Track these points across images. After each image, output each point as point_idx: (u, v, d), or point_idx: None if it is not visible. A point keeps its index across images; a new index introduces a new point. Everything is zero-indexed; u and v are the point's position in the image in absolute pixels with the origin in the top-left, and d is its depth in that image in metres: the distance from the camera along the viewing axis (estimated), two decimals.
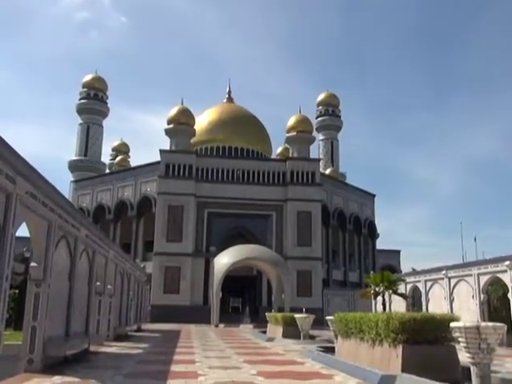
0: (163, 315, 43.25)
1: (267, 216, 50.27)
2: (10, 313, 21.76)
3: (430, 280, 29.52)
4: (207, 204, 49.32)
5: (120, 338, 22.48)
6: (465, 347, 8.51)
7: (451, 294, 27.00)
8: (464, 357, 8.93)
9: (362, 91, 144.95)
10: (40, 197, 11.05)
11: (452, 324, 8.82)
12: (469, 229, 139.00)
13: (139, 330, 30.09)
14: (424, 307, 29.40)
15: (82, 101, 72.94)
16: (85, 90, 73.52)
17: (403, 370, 9.94)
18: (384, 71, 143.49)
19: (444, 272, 27.52)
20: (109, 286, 21.21)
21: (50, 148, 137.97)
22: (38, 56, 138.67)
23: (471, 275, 25.16)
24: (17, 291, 23.66)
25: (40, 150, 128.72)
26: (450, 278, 27.14)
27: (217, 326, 38.38)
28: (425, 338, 10.26)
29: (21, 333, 12.28)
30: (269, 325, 28.44)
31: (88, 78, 74.04)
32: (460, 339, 8.60)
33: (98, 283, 18.82)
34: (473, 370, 8.53)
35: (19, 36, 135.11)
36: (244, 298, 53.59)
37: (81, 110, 72.83)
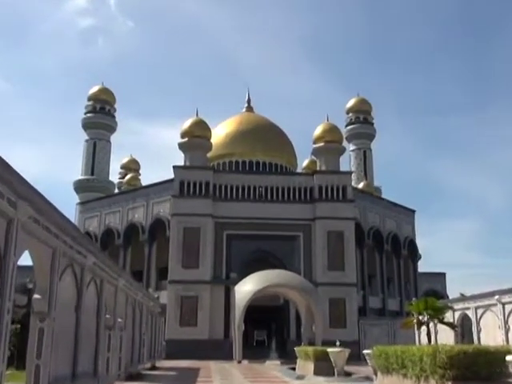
0: (180, 351, 43.17)
1: (294, 237, 50.07)
2: (11, 350, 21.95)
3: (482, 307, 28.87)
4: (226, 225, 49.39)
5: (132, 377, 22.52)
6: None
7: (506, 322, 26.33)
8: None
9: (395, 94, 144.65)
10: (43, 222, 11.23)
11: (508, 357, 8.62)
12: None
13: (153, 367, 30.10)
14: (475, 338, 28.75)
15: (88, 115, 74.23)
16: (91, 103, 74.88)
17: None
18: (421, 70, 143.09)
19: (497, 297, 26.92)
20: (119, 319, 21.30)
21: (53, 167, 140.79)
22: (37, 67, 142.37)
23: None
24: (19, 326, 23.90)
25: (42, 169, 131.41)
26: (504, 304, 26.50)
27: (239, 362, 38.14)
28: (477, 374, 10.03)
29: (23, 372, 12.40)
30: (298, 360, 28.16)
31: (94, 90, 75.44)
32: None
33: (107, 316, 18.92)
34: None
35: (18, 45, 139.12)
36: (270, 331, 53.19)
37: (86, 125, 74.11)
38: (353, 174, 64.44)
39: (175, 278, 47.20)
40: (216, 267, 48.47)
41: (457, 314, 31.37)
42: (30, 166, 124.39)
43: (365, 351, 15.48)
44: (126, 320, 23.20)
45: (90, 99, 75.26)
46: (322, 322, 41.22)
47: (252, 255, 49.48)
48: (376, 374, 14.21)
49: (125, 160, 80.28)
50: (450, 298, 54.54)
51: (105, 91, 75.42)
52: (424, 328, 24.61)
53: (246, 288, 40.07)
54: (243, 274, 44.18)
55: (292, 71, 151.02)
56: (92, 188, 70.87)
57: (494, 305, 27.34)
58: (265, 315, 50.65)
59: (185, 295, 46.75)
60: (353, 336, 45.36)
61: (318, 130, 54.59)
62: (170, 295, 46.94)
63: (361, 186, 67.48)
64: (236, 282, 42.62)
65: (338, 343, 24.36)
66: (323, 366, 23.10)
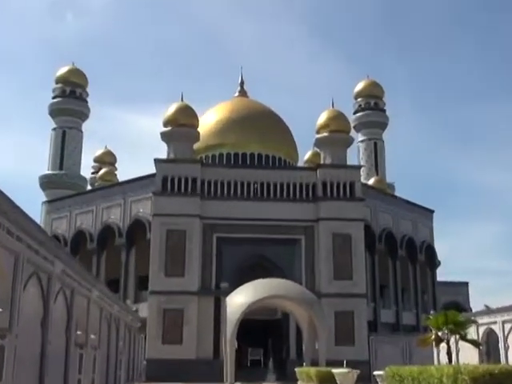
0: (162, 372, 43.00)
1: (294, 241, 50.07)
2: None
3: (510, 321, 28.96)
4: (216, 227, 49.33)
5: None
6: None
7: None
8: None
9: (411, 77, 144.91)
10: (4, 223, 11.15)
11: None
12: None
13: None
14: (503, 357, 28.83)
15: (56, 99, 74.03)
16: (59, 86, 74.65)
17: None
18: (442, 49, 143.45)
19: None
20: (92, 336, 21.25)
21: (15, 160, 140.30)
22: None
23: None
24: None
25: (3, 162, 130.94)
26: None
27: None
28: None
29: None
30: (299, 383, 28.16)
31: (63, 71, 75.20)
32: None
33: (78, 332, 18.87)
34: None
35: None
36: (266, 349, 53.17)
37: (54, 112, 73.88)
38: (362, 169, 64.38)
39: (157, 289, 47.11)
40: (204, 275, 48.40)
41: (481, 330, 31.41)
42: None
43: (376, 372, 15.48)
44: (101, 337, 23.13)
45: (58, 82, 74.99)
46: (327, 339, 41.19)
47: (246, 262, 49.41)
48: None
49: (99, 152, 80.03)
50: (474, 310, 54.65)
51: (75, 72, 75.18)
52: (444, 345, 24.63)
53: (239, 299, 40.00)
54: (236, 283, 44.10)
55: (292, 50, 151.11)
56: (61, 184, 70.63)
57: None
58: (261, 331, 50.58)
59: (168, 308, 46.64)
60: (362, 355, 45.37)
61: (322, 118, 54.56)
62: (150, 308, 46.86)
63: (371, 182, 67.56)
64: (227, 293, 42.55)
65: (345, 363, 24.40)
66: None
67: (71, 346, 17.73)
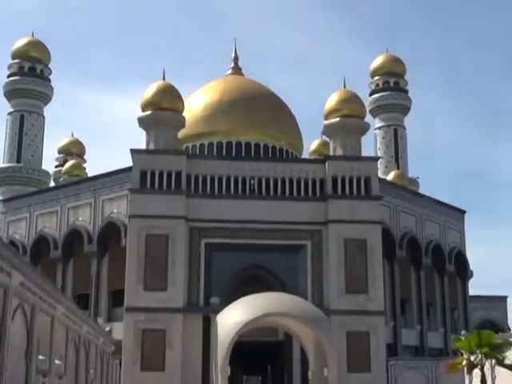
0: None
1: (298, 248, 50.16)
2: None
3: None
4: (205, 231, 49.37)
5: None
6: None
7: None
8: None
9: (440, 50, 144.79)
10: None
11: None
12: None
13: None
14: None
15: (13, 78, 73.83)
16: (16, 61, 74.48)
17: None
18: (476, 10, 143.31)
19: None
20: (57, 362, 21.27)
21: None
22: None
23: None
24: None
25: None
26: None
27: None
28: None
29: None
30: None
31: (21, 43, 75.03)
32: None
33: (40, 357, 18.88)
34: None
35: None
36: (265, 376, 53.34)
37: (10, 93, 73.72)
38: (379, 161, 64.55)
39: (134, 305, 47.11)
40: (191, 289, 48.44)
41: None
42: None
43: None
44: (67, 363, 23.15)
45: (14, 56, 74.83)
46: (338, 365, 41.20)
47: (241, 273, 49.52)
48: None
49: (64, 141, 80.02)
50: None
51: (35, 45, 75.03)
52: (477, 372, 24.68)
53: (233, 318, 40.01)
54: (229, 298, 44.13)
55: (296, 19, 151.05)
56: (18, 180, 70.59)
57: None
58: (259, 355, 50.66)
59: (148, 328, 46.64)
60: (380, 383, 45.52)
61: (332, 101, 54.60)
62: (127, 328, 46.86)
63: (390, 177, 67.70)
64: (219, 310, 42.51)
65: None
66: None
67: (32, 374, 17.75)
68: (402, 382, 47.34)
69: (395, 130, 77.57)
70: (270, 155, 59.59)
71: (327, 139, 57.91)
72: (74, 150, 77.57)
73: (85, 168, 73.57)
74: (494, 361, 21.80)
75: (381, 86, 78.25)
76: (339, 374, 40.74)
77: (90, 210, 55.19)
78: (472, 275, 64.33)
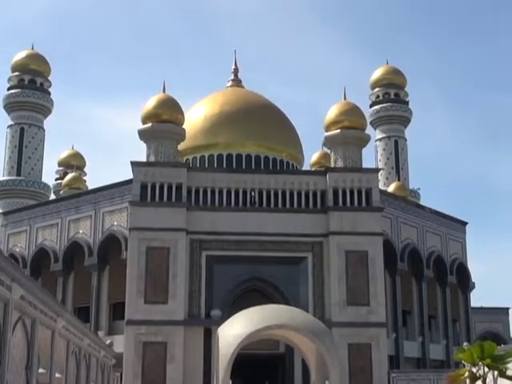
0: None
1: (299, 260, 50.10)
2: None
3: None
4: (206, 243, 49.35)
5: None
6: None
7: None
8: None
9: (441, 62, 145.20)
10: None
11: None
12: None
13: None
14: None
15: (13, 91, 74.05)
16: (16, 74, 74.73)
17: None
18: (476, 25, 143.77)
19: None
20: (57, 375, 21.24)
21: None
22: None
23: None
24: None
25: None
26: None
27: None
28: None
29: None
30: None
31: (20, 56, 75.30)
32: None
33: (41, 370, 18.86)
34: None
35: None
36: None
37: (10, 105, 73.92)
38: (380, 173, 64.61)
39: (135, 318, 47.04)
40: (192, 302, 48.36)
41: None
42: None
43: None
44: (68, 376, 23.12)
45: (14, 69, 75.07)
46: (340, 377, 41.14)
47: (242, 285, 49.47)
48: None
49: (64, 153, 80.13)
50: None
51: (36, 58, 75.32)
52: None
53: (234, 331, 39.95)
54: (230, 310, 44.17)
55: (296, 30, 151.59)
56: (19, 193, 70.69)
57: None
58: (260, 367, 50.52)
59: (149, 341, 46.56)
60: None
61: (332, 112, 54.70)
62: (127, 341, 46.75)
63: (391, 188, 67.66)
64: (220, 323, 42.49)
65: None
66: None
67: None
68: None
69: (396, 142, 77.65)
70: (270, 167, 59.61)
71: (328, 151, 58.02)
72: (74, 163, 77.41)
73: (85, 181, 73.66)
74: (496, 372, 21.77)
75: (381, 97, 78.39)
76: None
77: (91, 222, 55.18)
78: (474, 287, 64.24)
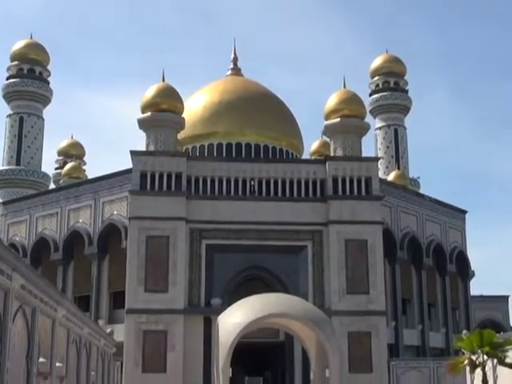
0: None
1: (299, 248, 50.15)
2: None
3: None
4: (206, 232, 49.38)
5: None
6: None
7: None
8: None
9: (441, 49, 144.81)
10: None
11: None
12: None
13: None
14: None
15: (11, 80, 73.94)
16: (15, 63, 74.59)
17: None
18: (477, 10, 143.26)
19: None
20: (58, 364, 21.26)
21: None
22: None
23: None
24: None
25: None
26: None
27: None
28: None
29: None
30: None
31: (19, 45, 75.15)
32: None
33: (41, 360, 18.88)
34: None
35: None
36: (266, 377, 53.31)
37: (9, 95, 73.82)
38: (380, 161, 64.57)
39: (135, 306, 47.11)
40: (192, 290, 48.44)
41: None
42: None
43: None
44: (68, 365, 23.15)
45: (13, 58, 74.94)
46: (339, 366, 41.23)
47: (242, 274, 49.52)
48: None
49: (64, 143, 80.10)
50: None
51: (35, 47, 75.16)
52: (479, 372, 24.68)
53: (234, 319, 40.00)
54: (229, 299, 44.22)
55: (296, 19, 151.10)
56: (18, 182, 70.68)
57: None
58: (260, 356, 50.70)
59: (149, 330, 46.64)
60: None
61: (332, 101, 54.60)
62: (128, 330, 46.84)
63: (391, 177, 67.70)
64: (220, 311, 42.53)
65: None
66: None
67: (33, 376, 17.74)
68: (403, 382, 47.34)
69: (395, 130, 77.57)
70: (270, 156, 59.56)
71: (327, 140, 57.94)
72: (73, 152, 77.52)
73: (84, 170, 73.63)
74: (495, 360, 21.82)
75: (381, 86, 78.28)
76: (341, 375, 40.77)
77: (90, 212, 55.20)
78: (473, 275, 64.34)
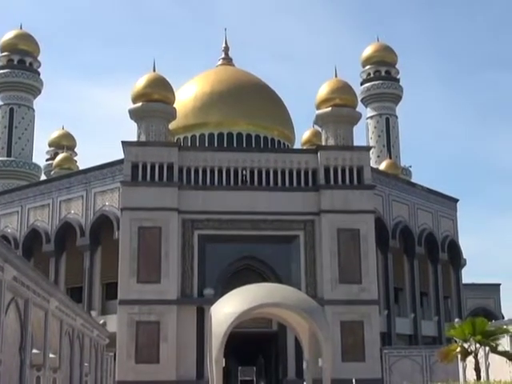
0: None
1: (291, 238, 50.22)
2: None
3: None
4: (198, 223, 49.37)
5: None
6: None
7: None
8: None
9: (432, 38, 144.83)
10: None
11: None
12: None
13: None
14: None
15: (1, 71, 73.57)
16: (5, 54, 74.20)
17: None
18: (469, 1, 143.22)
19: None
20: (51, 355, 21.28)
21: None
22: None
23: None
24: None
25: None
26: None
27: None
28: None
29: None
30: None
31: (9, 35, 74.79)
32: None
33: (34, 351, 18.89)
34: None
35: None
36: (259, 367, 53.43)
37: None
38: (372, 151, 64.52)
39: (128, 297, 47.14)
40: (184, 281, 48.48)
41: None
42: None
43: None
44: (61, 356, 23.17)
45: (3, 49, 74.59)
46: (332, 355, 41.33)
47: (234, 264, 49.57)
48: None
49: (55, 134, 79.86)
50: (506, 318, 54.94)
51: (24, 38, 74.79)
52: (471, 359, 24.82)
53: (227, 309, 40.03)
54: (222, 289, 44.24)
55: (286, 8, 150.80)
56: (9, 173, 70.47)
57: None
58: (253, 346, 50.75)
59: (142, 320, 46.71)
60: (374, 372, 45.70)
61: (323, 90, 54.57)
62: (120, 321, 46.90)
63: (383, 166, 67.77)
64: (213, 302, 42.46)
65: (354, 382, 24.62)
66: None
67: (26, 368, 17.75)
68: (396, 371, 47.52)
69: (387, 119, 77.58)
70: (261, 146, 59.54)
71: (319, 129, 57.93)
72: (64, 143, 77.09)
73: (76, 161, 73.54)
74: (487, 348, 21.95)
75: (372, 75, 78.20)
76: (334, 364, 40.94)
77: (82, 203, 55.09)
78: (465, 263, 64.55)
